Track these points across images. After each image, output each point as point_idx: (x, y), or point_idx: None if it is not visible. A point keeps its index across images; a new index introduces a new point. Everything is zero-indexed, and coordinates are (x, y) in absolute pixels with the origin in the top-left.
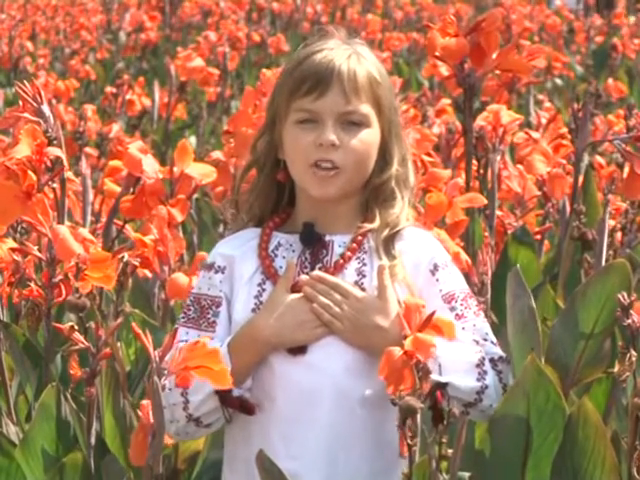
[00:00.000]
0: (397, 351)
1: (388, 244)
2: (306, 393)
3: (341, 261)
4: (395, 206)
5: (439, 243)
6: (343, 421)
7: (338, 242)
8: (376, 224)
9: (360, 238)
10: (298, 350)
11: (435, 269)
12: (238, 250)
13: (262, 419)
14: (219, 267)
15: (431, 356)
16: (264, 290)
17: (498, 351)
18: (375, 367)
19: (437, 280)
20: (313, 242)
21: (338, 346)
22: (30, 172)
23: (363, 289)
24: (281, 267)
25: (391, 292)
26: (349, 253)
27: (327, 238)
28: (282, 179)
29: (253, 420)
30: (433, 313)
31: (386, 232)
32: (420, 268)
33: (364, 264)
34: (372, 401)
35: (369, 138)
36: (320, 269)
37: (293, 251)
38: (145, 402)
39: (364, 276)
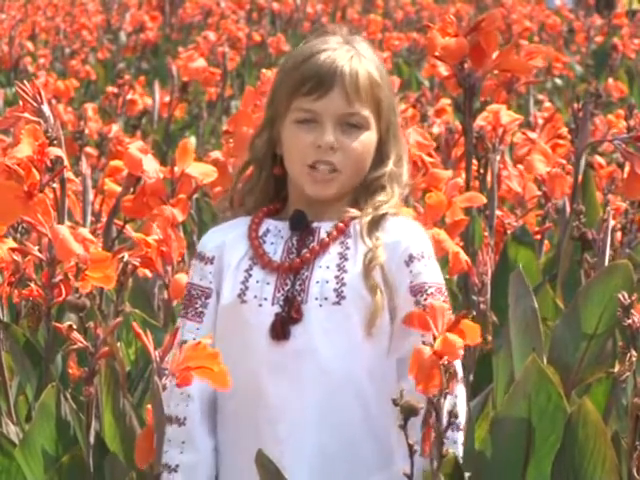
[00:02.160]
0: (427, 351)
1: (372, 227)
2: (291, 377)
3: (326, 239)
4: (382, 195)
5: (421, 232)
6: (329, 405)
7: (325, 228)
8: (363, 210)
9: (346, 220)
10: (282, 336)
11: (410, 260)
12: (228, 236)
13: (250, 404)
14: (208, 258)
15: (459, 357)
16: (250, 276)
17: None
18: (360, 350)
19: (410, 271)
20: (301, 227)
21: (322, 331)
22: (33, 171)
23: (345, 271)
24: (268, 253)
25: None
26: (335, 233)
27: (315, 225)
28: (278, 172)
29: (242, 405)
30: (462, 316)
31: (370, 216)
32: (395, 259)
33: (347, 248)
34: (355, 383)
35: (367, 140)
36: (305, 252)
37: (281, 237)
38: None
39: (346, 259)
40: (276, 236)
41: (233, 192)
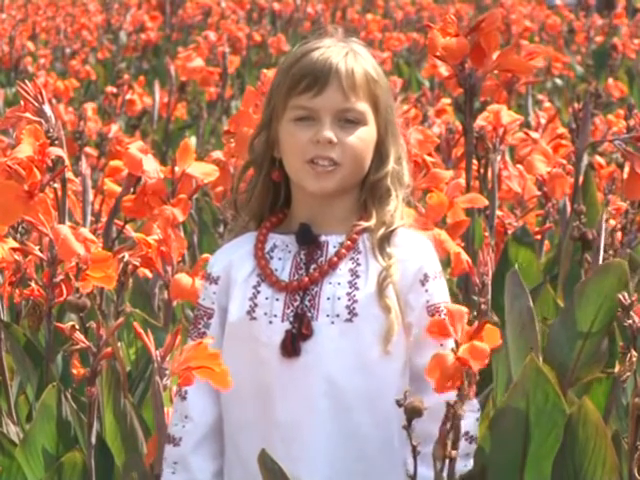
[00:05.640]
0: (450, 357)
1: (383, 243)
2: (303, 394)
3: (335, 259)
4: (390, 204)
5: (431, 249)
6: (341, 421)
7: (333, 243)
8: (372, 222)
9: (355, 237)
10: (292, 352)
11: (425, 279)
12: (235, 254)
13: (262, 421)
14: (214, 278)
15: (485, 365)
16: (259, 292)
17: None
18: (373, 368)
19: (426, 291)
20: (309, 242)
21: (333, 347)
22: (34, 171)
23: (357, 288)
24: (276, 269)
25: None
26: (344, 251)
27: (322, 239)
28: (276, 178)
29: (253, 423)
30: (486, 322)
31: (382, 231)
32: (409, 277)
33: (358, 264)
34: (369, 400)
35: (366, 136)
36: (314, 270)
37: (289, 252)
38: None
39: (358, 276)
40: (284, 251)
41: (235, 195)
